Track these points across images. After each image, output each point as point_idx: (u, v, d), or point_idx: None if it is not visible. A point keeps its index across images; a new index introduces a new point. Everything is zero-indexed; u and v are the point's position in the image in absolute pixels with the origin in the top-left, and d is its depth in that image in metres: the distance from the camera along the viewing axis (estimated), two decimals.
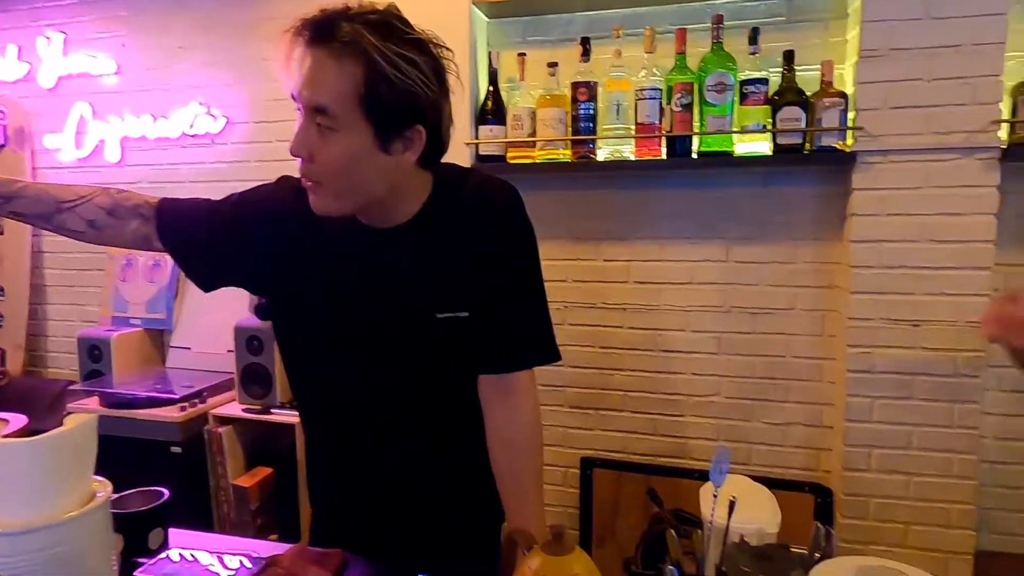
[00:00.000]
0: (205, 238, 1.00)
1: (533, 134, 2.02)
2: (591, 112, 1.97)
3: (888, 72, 1.77)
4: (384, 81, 0.85)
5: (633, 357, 2.17)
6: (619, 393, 2.19)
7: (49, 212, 0.96)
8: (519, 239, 1.01)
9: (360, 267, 0.98)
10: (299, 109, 0.88)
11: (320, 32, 0.85)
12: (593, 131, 1.98)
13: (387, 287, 0.97)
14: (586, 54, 1.97)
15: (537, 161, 2.04)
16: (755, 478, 2.11)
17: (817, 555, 0.88)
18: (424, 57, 0.89)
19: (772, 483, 2.06)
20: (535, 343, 1.03)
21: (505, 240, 0.99)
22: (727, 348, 2.10)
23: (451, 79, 0.95)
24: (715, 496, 0.91)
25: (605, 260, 2.17)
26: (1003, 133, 1.74)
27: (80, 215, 0.96)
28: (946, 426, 1.82)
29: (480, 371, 1.02)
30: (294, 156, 0.89)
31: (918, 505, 1.87)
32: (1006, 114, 1.74)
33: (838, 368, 1.95)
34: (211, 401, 2.26)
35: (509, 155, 2.06)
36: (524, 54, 2.05)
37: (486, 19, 2.14)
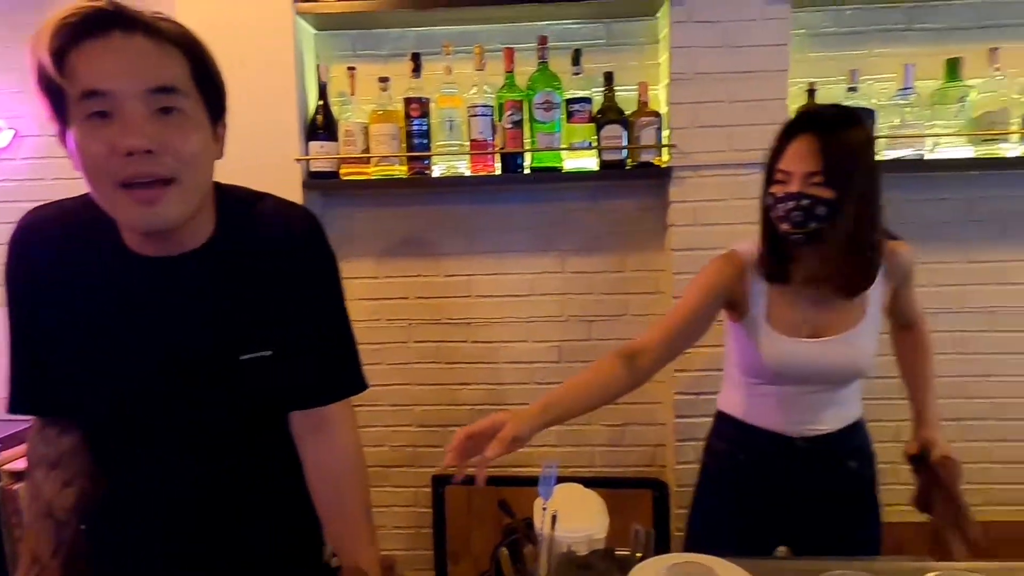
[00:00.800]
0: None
1: (367, 150, 1.98)
2: (425, 128, 1.97)
3: (695, 94, 1.93)
4: (206, 62, 0.80)
5: (478, 371, 2.18)
6: (466, 408, 2.20)
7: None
8: (322, 268, 0.96)
9: (147, 307, 0.86)
10: (96, 111, 0.75)
11: (123, 21, 0.75)
12: (427, 147, 1.97)
13: (181, 328, 0.87)
14: (417, 70, 1.96)
15: (372, 178, 2.00)
16: (597, 479, 2.21)
17: (639, 555, 0.92)
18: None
19: (614, 482, 2.18)
20: (345, 374, 0.98)
21: (307, 270, 0.94)
22: (567, 356, 2.17)
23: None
24: (544, 509, 0.93)
25: (447, 276, 2.17)
26: None
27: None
28: None
29: (290, 409, 0.95)
30: (133, 151, 0.74)
31: None
32: None
33: (666, 368, 2.08)
34: (4, 454, 1.97)
35: (342, 171, 2.00)
36: (354, 68, 2.00)
37: (313, 31, 2.07)
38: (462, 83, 1.96)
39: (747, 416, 1.39)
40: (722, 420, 1.47)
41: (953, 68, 1.91)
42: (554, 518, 0.90)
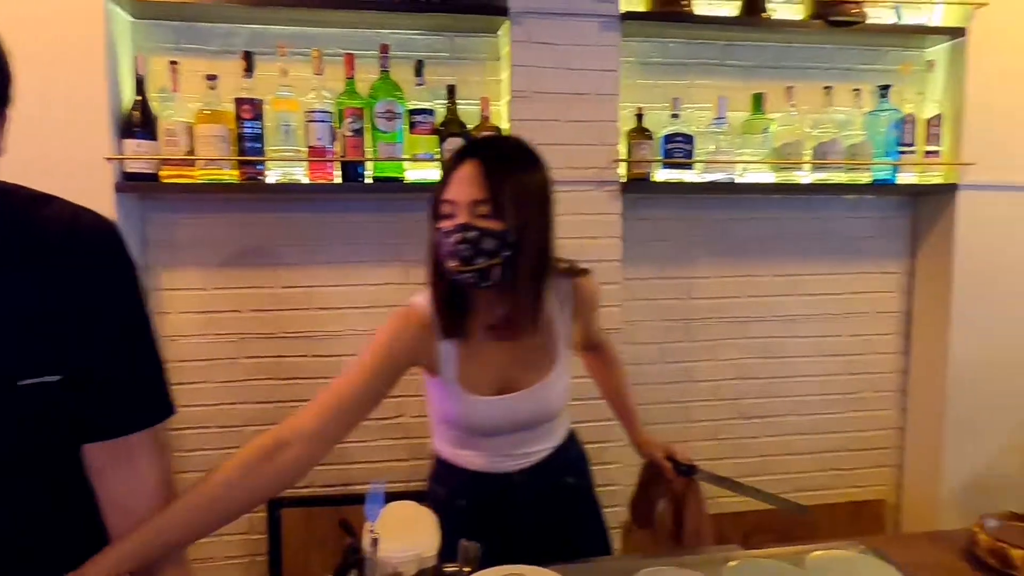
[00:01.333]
0: None
1: (192, 152, 1.83)
2: (258, 131, 1.86)
3: (534, 112, 2.00)
4: None
5: (319, 387, 2.08)
6: None
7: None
8: (118, 280, 0.85)
9: None
10: None
11: None
12: (261, 152, 1.87)
13: None
14: (249, 69, 1.85)
15: (198, 181, 1.85)
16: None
17: (466, 570, 0.92)
18: None
19: None
20: (148, 399, 0.88)
21: (101, 282, 0.83)
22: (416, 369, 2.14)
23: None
24: (371, 531, 0.90)
25: (284, 287, 2.06)
26: (622, 170, 2.08)
27: None
28: (600, 420, 2.10)
29: (83, 441, 0.84)
30: None
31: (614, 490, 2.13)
32: (623, 154, 2.08)
33: None
34: None
35: (163, 174, 1.84)
36: (176, 62, 1.85)
37: (129, 18, 1.89)
38: (299, 87, 1.88)
39: (459, 461, 1.29)
40: (439, 463, 1.35)
41: (758, 102, 2.14)
42: (375, 540, 0.87)
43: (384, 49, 1.92)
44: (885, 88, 2.18)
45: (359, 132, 1.90)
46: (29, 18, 1.70)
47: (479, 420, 1.22)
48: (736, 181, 2.13)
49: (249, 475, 1.00)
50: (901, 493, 2.50)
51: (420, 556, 0.96)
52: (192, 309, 2.00)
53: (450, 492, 1.29)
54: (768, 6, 2.11)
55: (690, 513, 1.36)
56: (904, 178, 2.23)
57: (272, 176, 1.91)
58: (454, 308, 1.17)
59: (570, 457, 1.36)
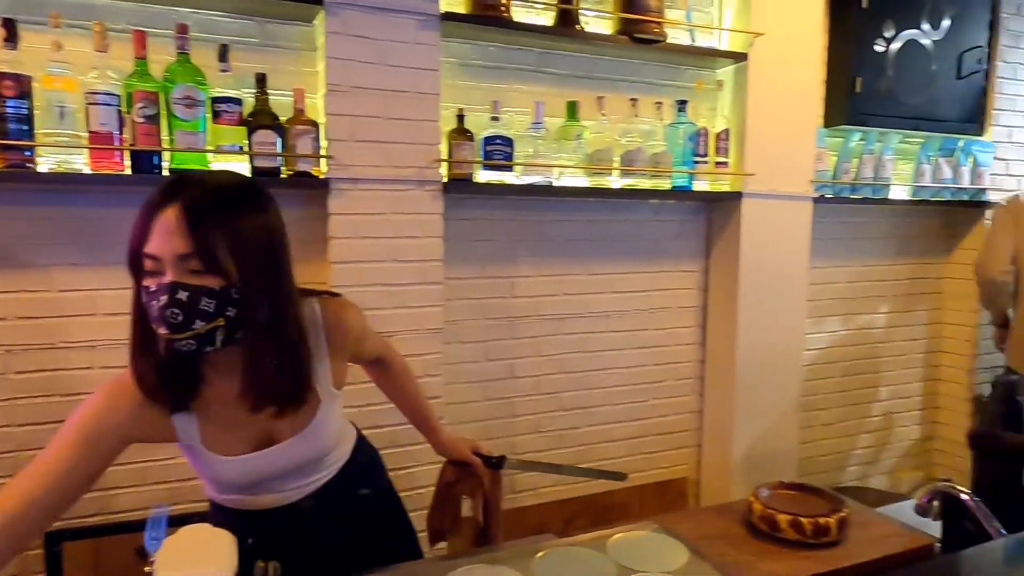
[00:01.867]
0: None
1: None
2: (25, 112, 1.61)
3: (352, 107, 1.94)
4: None
5: None
6: None
7: None
8: None
9: None
10: None
11: None
12: (29, 135, 1.63)
13: None
14: (11, 39, 1.60)
15: None
16: None
17: None
18: None
19: None
20: None
21: None
22: None
23: None
24: (149, 564, 0.81)
25: (61, 291, 1.81)
26: (444, 170, 2.09)
27: None
28: None
29: None
30: None
31: (409, 495, 2.10)
32: (444, 154, 2.09)
33: None
34: None
35: None
36: None
37: None
38: (77, 64, 1.66)
39: (235, 505, 1.14)
40: (214, 507, 1.19)
41: (572, 110, 2.25)
42: (150, 574, 0.79)
43: (182, 29, 1.75)
44: (683, 103, 2.40)
45: (153, 119, 1.72)
46: None
47: (238, 479, 1.08)
48: (553, 184, 2.23)
49: None
50: (701, 471, 2.76)
51: None
52: None
53: (237, 533, 0.99)
54: (581, 19, 2.22)
55: (495, 507, 1.39)
56: (699, 186, 2.46)
57: (45, 164, 1.67)
58: (180, 377, 1.00)
59: (358, 470, 1.25)
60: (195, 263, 0.90)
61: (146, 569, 0.79)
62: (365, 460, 1.30)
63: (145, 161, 1.74)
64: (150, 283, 0.91)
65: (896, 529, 1.42)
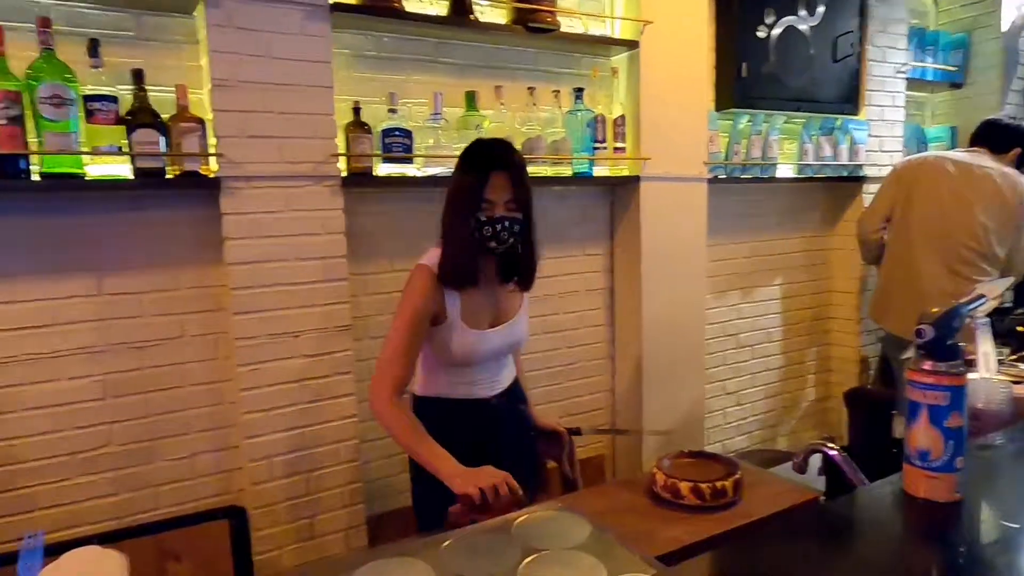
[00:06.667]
0: None
1: None
2: None
3: (241, 102, 1.86)
4: None
5: None
6: None
7: None
8: None
9: None
10: None
11: None
12: None
13: None
14: None
15: None
16: (165, 522, 1.98)
17: None
18: None
19: (185, 520, 1.99)
20: None
21: None
22: (114, 391, 1.89)
23: None
24: None
25: None
26: (342, 164, 2.05)
27: None
28: (330, 420, 2.06)
29: None
30: None
31: (321, 496, 2.07)
32: (342, 148, 2.05)
33: (234, 388, 1.99)
34: None
35: None
36: None
37: None
38: None
39: (452, 393, 1.65)
40: (426, 403, 1.66)
41: (471, 100, 2.25)
42: None
43: (45, 23, 1.63)
44: (580, 91, 2.45)
45: (16, 120, 1.60)
46: None
47: (478, 350, 1.60)
48: None
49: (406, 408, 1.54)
50: (615, 447, 2.86)
51: None
52: None
53: (439, 427, 1.53)
54: (475, 8, 2.22)
55: (574, 465, 1.79)
56: (599, 171, 2.52)
57: None
58: (473, 268, 1.57)
59: (518, 389, 1.78)
60: (513, 205, 1.53)
61: None
62: (519, 387, 1.80)
63: (10, 165, 1.62)
64: (488, 214, 1.51)
65: (787, 487, 1.52)
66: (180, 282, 1.95)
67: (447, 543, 1.09)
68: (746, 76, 2.80)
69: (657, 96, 2.57)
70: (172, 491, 1.99)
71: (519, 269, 1.64)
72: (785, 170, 3.08)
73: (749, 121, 2.91)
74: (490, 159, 1.53)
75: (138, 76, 1.77)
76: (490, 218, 1.51)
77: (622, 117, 2.52)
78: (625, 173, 2.59)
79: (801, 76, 2.95)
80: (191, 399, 1.99)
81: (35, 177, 1.66)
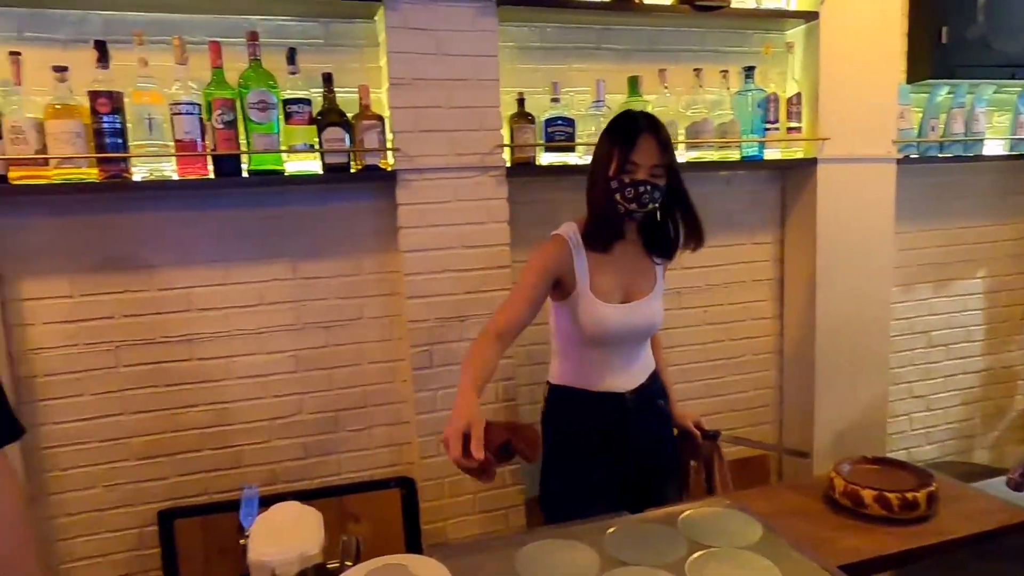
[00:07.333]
0: None
1: (44, 150, 1.70)
2: (118, 126, 1.74)
3: (415, 99, 1.98)
4: None
5: (204, 390, 2.01)
6: (195, 432, 2.01)
7: None
8: None
9: None
10: None
11: None
12: (124, 147, 1.76)
13: None
14: (104, 59, 1.73)
15: (54, 182, 1.72)
16: (346, 486, 2.17)
17: (348, 564, 0.93)
18: None
19: (364, 486, 2.17)
20: None
21: None
22: (305, 364, 2.10)
23: None
24: (244, 538, 0.89)
25: (160, 290, 1.96)
26: (506, 154, 2.11)
27: None
28: (491, 403, 2.14)
29: None
30: None
31: None
32: (506, 139, 2.11)
33: (407, 368, 2.13)
34: None
35: (12, 175, 1.70)
36: (19, 53, 1.70)
37: None
38: (161, 77, 1.78)
39: (585, 383, 1.64)
40: (558, 392, 1.68)
41: (634, 85, 2.21)
42: (244, 547, 0.86)
43: (253, 36, 1.84)
44: (750, 69, 2.31)
45: (231, 124, 1.82)
46: None
47: (606, 324, 1.57)
48: None
49: (495, 348, 1.45)
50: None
51: (304, 555, 0.95)
52: (57, 319, 1.87)
53: (571, 418, 1.64)
54: None
55: (717, 469, 1.74)
56: (771, 154, 2.37)
57: (139, 173, 1.81)
58: (611, 231, 1.59)
59: (657, 384, 1.73)
60: (658, 170, 1.52)
61: (241, 542, 0.86)
62: (659, 382, 1.74)
63: (227, 165, 1.85)
64: (631, 177, 1.51)
65: (996, 505, 1.35)
66: (361, 268, 2.12)
67: (612, 530, 1.10)
68: (947, 42, 2.49)
69: (838, 70, 2.36)
70: (352, 458, 2.18)
71: (660, 239, 1.63)
72: (993, 147, 2.71)
73: (950, 93, 2.58)
74: (638, 124, 1.54)
75: (327, 79, 1.94)
76: (633, 180, 1.51)
77: (797, 95, 2.35)
78: (800, 155, 2.41)
79: (1018, 38, 2.56)
80: (368, 376, 2.16)
81: (244, 174, 1.88)
